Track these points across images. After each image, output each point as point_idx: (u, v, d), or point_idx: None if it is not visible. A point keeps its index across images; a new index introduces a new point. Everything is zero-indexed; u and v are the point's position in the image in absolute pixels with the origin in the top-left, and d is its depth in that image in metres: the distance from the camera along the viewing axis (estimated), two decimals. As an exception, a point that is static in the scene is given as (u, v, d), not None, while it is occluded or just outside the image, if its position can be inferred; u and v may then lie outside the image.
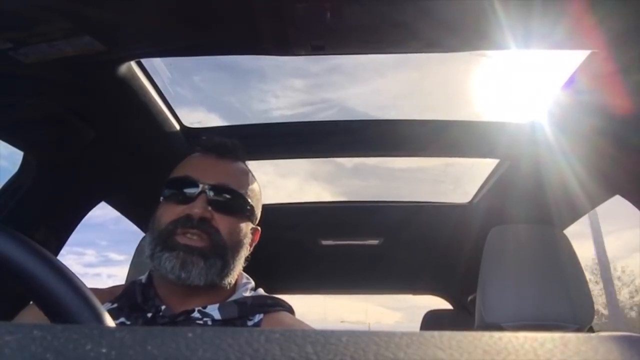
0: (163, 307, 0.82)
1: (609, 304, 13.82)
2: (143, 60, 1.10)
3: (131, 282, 0.89)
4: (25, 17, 0.81)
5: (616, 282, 15.13)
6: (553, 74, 1.14)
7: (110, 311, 0.71)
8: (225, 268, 0.83)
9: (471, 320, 1.18)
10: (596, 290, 13.92)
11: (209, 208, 0.83)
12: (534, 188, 1.48)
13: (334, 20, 0.86)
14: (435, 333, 0.23)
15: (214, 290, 0.84)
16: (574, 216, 1.55)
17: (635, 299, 15.66)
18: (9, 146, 1.12)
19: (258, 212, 0.94)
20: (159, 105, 1.22)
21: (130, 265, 1.42)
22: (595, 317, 1.06)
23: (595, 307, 1.07)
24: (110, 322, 0.37)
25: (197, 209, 0.82)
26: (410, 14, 0.85)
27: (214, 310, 0.81)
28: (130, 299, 0.84)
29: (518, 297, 1.01)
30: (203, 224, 0.82)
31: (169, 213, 0.84)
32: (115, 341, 0.22)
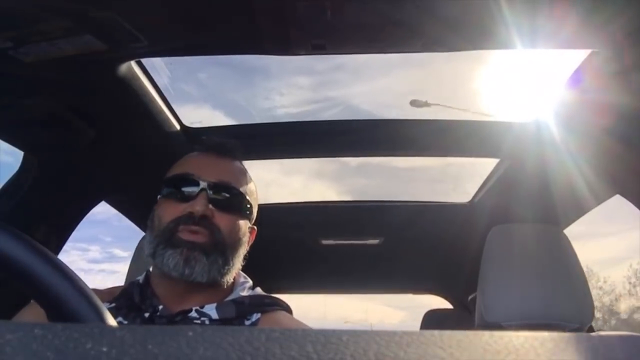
0: (160, 307, 0.82)
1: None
2: (143, 60, 1.10)
3: (130, 283, 0.90)
4: (25, 16, 0.81)
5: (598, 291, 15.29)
6: (553, 73, 1.14)
7: (108, 311, 0.71)
8: (226, 265, 0.84)
9: (471, 319, 1.18)
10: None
11: (210, 206, 0.83)
12: (534, 187, 1.48)
13: (335, 19, 0.86)
14: (436, 332, 0.23)
15: (213, 288, 0.84)
16: (574, 216, 1.55)
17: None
18: (9, 146, 1.12)
19: (255, 211, 0.95)
20: (159, 105, 1.22)
21: (130, 264, 1.42)
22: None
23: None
24: (111, 321, 0.37)
25: (198, 206, 0.82)
26: (413, 12, 0.85)
27: (211, 310, 0.81)
28: (128, 299, 0.84)
29: (518, 296, 1.01)
30: (204, 222, 0.82)
31: (170, 211, 0.84)
32: (116, 340, 0.22)
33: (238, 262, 0.88)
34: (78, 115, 1.13)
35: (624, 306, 15.70)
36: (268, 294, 0.91)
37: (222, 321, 0.81)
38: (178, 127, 1.35)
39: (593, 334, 1.03)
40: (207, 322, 0.80)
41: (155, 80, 1.17)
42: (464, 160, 1.62)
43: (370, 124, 1.42)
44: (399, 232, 2.05)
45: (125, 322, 0.80)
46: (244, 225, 0.89)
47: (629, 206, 1.26)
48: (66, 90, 1.06)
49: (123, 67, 1.03)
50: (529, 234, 1.11)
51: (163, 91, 1.22)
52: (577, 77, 1.06)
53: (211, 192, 0.84)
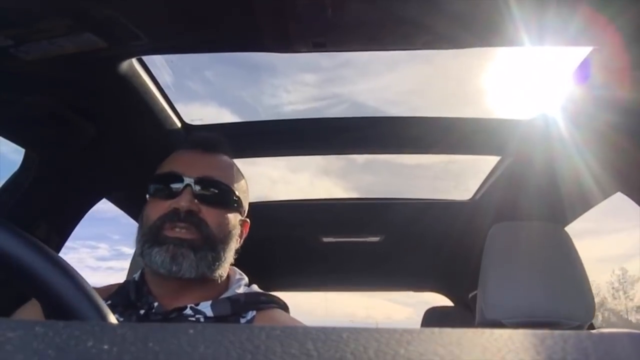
0: (155, 304, 0.82)
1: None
2: (144, 57, 1.10)
3: (126, 281, 0.90)
4: (26, 14, 0.81)
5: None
6: (555, 71, 1.13)
7: None
8: (216, 260, 0.84)
9: (472, 317, 1.18)
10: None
11: (195, 201, 0.83)
12: (535, 185, 1.47)
13: (336, 16, 0.86)
14: (436, 330, 0.23)
15: (207, 285, 0.84)
16: (576, 213, 1.55)
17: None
18: (10, 143, 1.12)
19: (246, 204, 0.94)
20: (161, 103, 1.22)
21: (131, 262, 1.42)
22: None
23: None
24: (112, 318, 0.37)
25: (183, 202, 0.82)
26: (415, 9, 0.84)
27: (206, 307, 0.82)
28: (124, 297, 0.84)
29: (519, 294, 1.01)
30: (190, 217, 0.82)
31: (156, 209, 0.84)
32: (117, 338, 0.22)
33: (230, 256, 0.88)
34: (79, 113, 1.13)
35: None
36: (264, 292, 0.91)
37: (217, 319, 0.81)
38: (179, 124, 1.34)
39: (594, 331, 1.03)
40: (202, 319, 0.80)
41: (157, 77, 1.17)
42: (465, 157, 1.61)
43: (376, 121, 1.42)
44: (400, 230, 2.05)
45: (121, 319, 0.80)
46: (234, 218, 0.89)
47: (630, 204, 1.26)
48: (67, 88, 1.06)
49: (124, 65, 1.03)
50: (530, 232, 1.10)
51: (164, 89, 1.22)
52: (580, 74, 1.05)
53: (197, 188, 0.84)
